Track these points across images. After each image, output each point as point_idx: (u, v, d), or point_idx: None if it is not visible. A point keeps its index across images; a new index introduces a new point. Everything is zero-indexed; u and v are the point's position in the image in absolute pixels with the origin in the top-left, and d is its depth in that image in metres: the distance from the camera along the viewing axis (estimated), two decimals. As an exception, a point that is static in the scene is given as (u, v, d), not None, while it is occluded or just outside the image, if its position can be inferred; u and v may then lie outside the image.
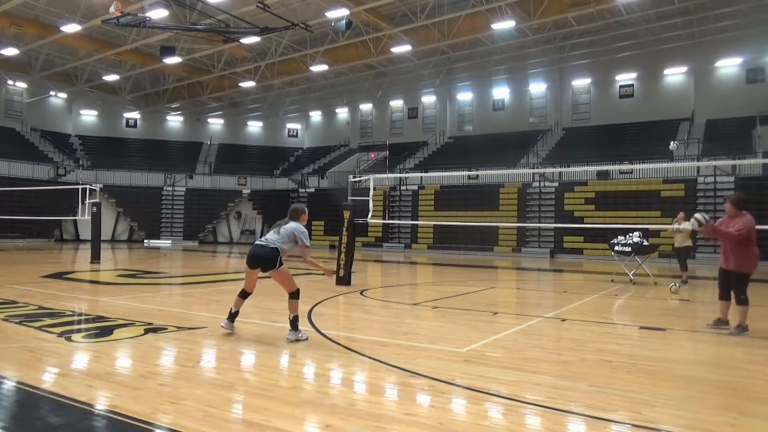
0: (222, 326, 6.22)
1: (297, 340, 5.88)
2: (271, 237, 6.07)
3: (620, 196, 25.84)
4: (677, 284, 11.63)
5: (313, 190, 36.93)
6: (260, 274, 6.14)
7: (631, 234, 13.51)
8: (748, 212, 6.93)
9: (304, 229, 6.17)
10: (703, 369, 5.24)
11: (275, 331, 6.55)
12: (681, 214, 12.94)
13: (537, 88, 35.07)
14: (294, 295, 6.03)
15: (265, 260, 5.99)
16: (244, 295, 6.27)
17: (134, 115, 41.08)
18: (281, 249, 5.99)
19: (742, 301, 6.76)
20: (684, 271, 12.78)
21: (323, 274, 6.70)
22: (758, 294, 11.48)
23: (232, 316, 6.27)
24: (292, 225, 6.15)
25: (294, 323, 6.00)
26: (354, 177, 16.79)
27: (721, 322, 7.10)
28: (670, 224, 13.21)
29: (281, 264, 5.99)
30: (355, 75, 35.31)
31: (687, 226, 12.47)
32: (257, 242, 6.17)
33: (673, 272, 13.27)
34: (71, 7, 24.14)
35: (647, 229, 15.22)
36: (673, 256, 13.22)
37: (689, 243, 12.92)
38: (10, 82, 35.49)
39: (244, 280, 6.26)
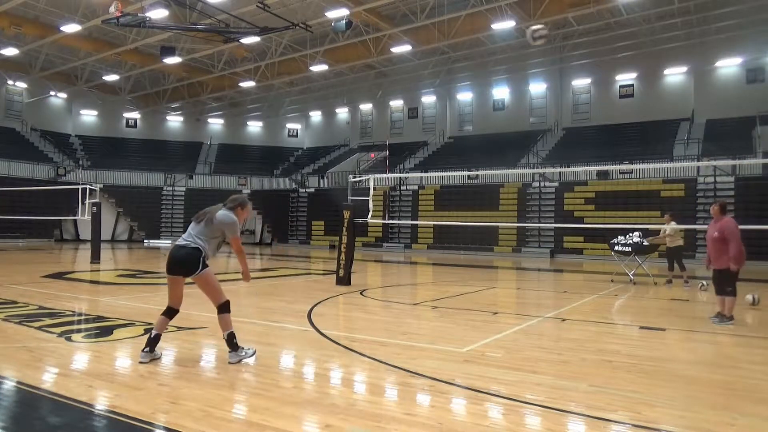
0: (140, 360, 4.89)
1: (240, 360, 4.99)
2: (193, 231, 4.96)
3: (620, 196, 25.83)
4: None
5: (313, 190, 36.94)
6: (187, 280, 5.02)
7: (631, 234, 13.52)
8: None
9: (234, 218, 5.02)
10: (703, 369, 5.24)
11: (275, 331, 6.55)
12: (667, 216, 12.99)
13: (537, 88, 35.06)
14: (223, 308, 5.01)
15: (184, 263, 4.88)
16: (169, 312, 5.03)
17: (134, 115, 41.07)
18: (204, 247, 4.91)
19: (729, 293, 7.56)
20: (683, 270, 12.81)
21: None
22: (759, 294, 11.49)
23: (152, 342, 4.96)
24: (221, 213, 5.01)
25: (231, 342, 5.00)
26: (354, 177, 16.79)
27: (722, 316, 7.69)
28: (661, 226, 13.33)
29: (204, 266, 4.90)
30: (355, 75, 35.30)
31: (674, 227, 12.58)
32: (177, 242, 5.03)
33: (672, 273, 13.26)
34: (71, 7, 24.13)
35: (647, 229, 15.23)
36: (665, 257, 13.37)
37: (681, 243, 12.99)
38: (10, 82, 35.48)
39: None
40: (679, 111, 29.80)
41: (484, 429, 3.53)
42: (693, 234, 22.28)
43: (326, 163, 40.11)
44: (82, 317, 7.59)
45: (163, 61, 27.21)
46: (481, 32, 26.43)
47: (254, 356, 5.13)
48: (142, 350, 4.97)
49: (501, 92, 36.20)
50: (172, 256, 4.93)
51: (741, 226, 7.69)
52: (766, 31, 27.02)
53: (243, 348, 5.12)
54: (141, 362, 4.90)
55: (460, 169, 29.29)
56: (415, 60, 32.20)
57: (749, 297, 10.19)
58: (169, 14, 22.31)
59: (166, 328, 5.23)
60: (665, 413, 3.88)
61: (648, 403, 4.04)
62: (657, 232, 13.73)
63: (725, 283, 7.59)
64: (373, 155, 37.52)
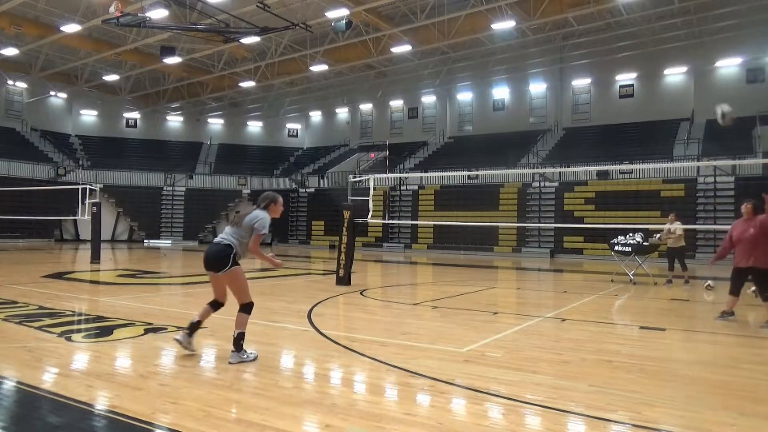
0: (175, 338, 5.18)
1: (241, 362, 4.98)
2: (228, 231, 5.11)
3: (620, 196, 25.84)
4: (711, 283, 12.06)
5: (313, 190, 36.95)
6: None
7: (632, 234, 13.51)
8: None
9: (265, 215, 5.09)
10: (703, 369, 5.24)
11: (275, 331, 6.55)
12: (672, 216, 12.98)
13: (537, 88, 35.06)
14: (245, 307, 5.09)
15: (215, 259, 4.99)
16: (214, 304, 5.26)
17: (134, 115, 41.08)
18: (235, 245, 5.01)
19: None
20: (684, 270, 12.83)
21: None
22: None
23: (193, 326, 5.19)
24: (254, 213, 5.13)
25: (237, 342, 5.03)
26: (354, 177, 16.80)
27: (725, 314, 7.78)
28: (664, 225, 13.30)
29: (234, 263, 4.99)
30: (355, 75, 35.31)
31: (679, 227, 12.60)
32: (214, 240, 5.21)
33: (672, 273, 13.26)
34: (71, 7, 24.14)
35: (647, 229, 15.23)
36: (665, 257, 13.40)
37: (683, 243, 13.00)
38: (10, 82, 35.49)
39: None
40: (679, 111, 29.81)
41: (484, 429, 3.53)
42: (693, 234, 22.27)
43: (326, 163, 40.11)
44: (82, 317, 7.59)
45: (163, 61, 27.21)
46: (481, 32, 26.44)
47: (255, 361, 5.10)
48: (182, 329, 5.30)
49: (501, 92, 36.21)
50: (205, 253, 5.10)
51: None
52: (766, 31, 27.03)
53: (246, 351, 5.12)
54: (175, 338, 5.21)
55: (460, 169, 29.30)
56: (415, 60, 32.20)
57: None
58: (169, 14, 22.32)
59: (197, 328, 5.34)
60: (665, 413, 3.88)
61: (648, 403, 4.04)
62: (657, 232, 13.73)
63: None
64: (373, 155, 37.52)
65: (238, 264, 5.05)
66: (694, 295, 11.34)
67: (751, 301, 9.03)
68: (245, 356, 5.07)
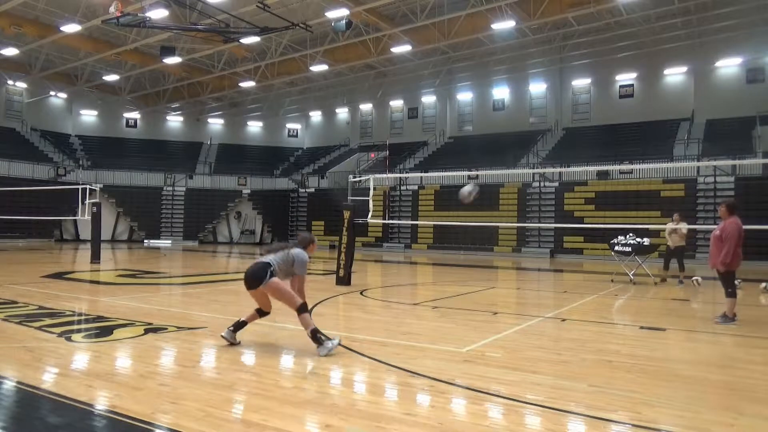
0: (221, 334, 5.69)
1: (330, 352, 5.27)
2: (270, 256, 5.60)
3: (620, 196, 25.84)
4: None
5: (313, 190, 36.93)
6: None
7: (632, 234, 13.51)
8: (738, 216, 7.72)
9: (308, 258, 5.67)
10: (703, 369, 5.24)
11: (275, 331, 6.55)
12: (676, 215, 12.99)
13: (537, 88, 35.05)
14: (300, 309, 5.42)
15: (253, 275, 5.44)
16: (260, 311, 5.76)
17: (134, 115, 41.07)
18: (274, 265, 5.48)
19: (729, 294, 7.59)
20: (682, 270, 12.85)
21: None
22: (757, 293, 11.49)
23: (238, 325, 5.70)
24: (296, 251, 5.64)
25: (315, 337, 5.34)
26: (354, 177, 16.80)
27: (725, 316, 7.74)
28: (667, 224, 13.29)
29: (271, 276, 5.39)
30: (355, 75, 35.31)
31: (684, 226, 12.62)
32: (254, 261, 5.69)
33: (666, 273, 13.28)
34: (71, 7, 24.14)
35: (647, 229, 15.23)
36: (663, 256, 13.42)
37: (684, 243, 13.00)
38: (10, 82, 35.48)
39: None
40: (679, 111, 29.79)
41: (484, 429, 3.53)
42: (693, 234, 22.26)
43: (326, 163, 40.10)
44: (82, 317, 7.59)
45: (163, 61, 27.22)
46: (481, 32, 26.44)
47: (339, 344, 5.41)
48: (228, 327, 5.70)
49: (501, 92, 36.20)
50: (245, 273, 5.54)
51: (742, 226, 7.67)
52: (766, 31, 27.03)
53: (329, 339, 5.39)
54: (221, 335, 5.65)
55: (460, 169, 29.28)
56: (415, 60, 32.20)
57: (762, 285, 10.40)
58: (169, 14, 22.31)
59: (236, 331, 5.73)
60: (665, 413, 3.88)
61: (648, 403, 4.04)
62: (657, 232, 13.74)
63: (725, 284, 7.64)
64: (373, 155, 37.51)
65: (275, 275, 5.45)
66: (693, 295, 11.34)
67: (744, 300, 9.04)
68: (330, 344, 5.33)
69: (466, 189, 9.58)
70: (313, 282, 12.07)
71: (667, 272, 13.01)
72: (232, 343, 5.64)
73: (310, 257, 5.75)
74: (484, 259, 24.53)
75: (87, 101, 39.34)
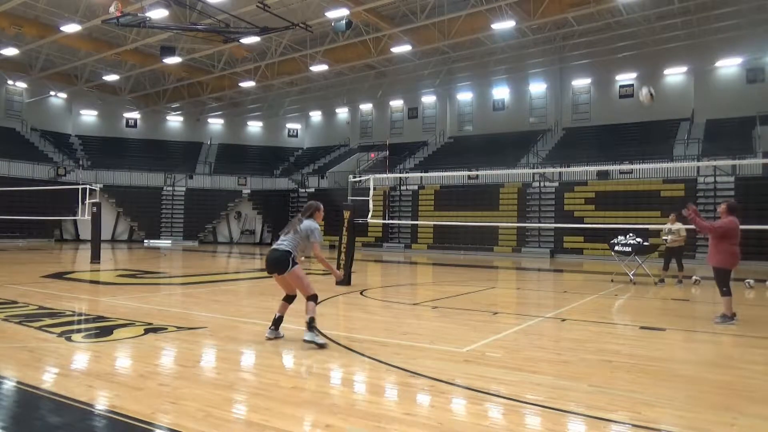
0: (266, 336, 5.99)
1: (312, 342, 5.62)
2: (284, 238, 5.94)
3: (620, 196, 25.82)
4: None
5: (313, 190, 36.90)
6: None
7: (632, 234, 13.51)
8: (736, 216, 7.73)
9: (317, 226, 6.06)
10: (703, 369, 5.24)
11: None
12: (672, 216, 12.99)
13: (537, 88, 35.06)
14: (311, 298, 5.86)
15: (278, 264, 5.81)
16: (287, 298, 6.10)
17: (134, 115, 41.07)
18: (293, 249, 5.86)
19: (724, 293, 7.62)
20: (681, 270, 12.85)
21: (328, 273, 6.76)
22: (758, 294, 11.50)
23: (277, 322, 6.07)
24: (306, 223, 6.01)
25: (310, 324, 5.75)
26: (354, 177, 16.81)
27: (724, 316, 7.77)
28: (664, 225, 13.30)
29: (294, 264, 5.81)
30: (355, 75, 35.31)
31: (681, 227, 12.62)
32: (272, 247, 6.01)
33: (665, 273, 13.27)
34: (71, 7, 24.13)
35: (647, 229, 15.22)
36: (662, 256, 13.42)
37: (683, 243, 13.01)
38: (10, 82, 35.49)
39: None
40: (679, 111, 29.79)
41: (484, 429, 3.53)
42: (693, 234, 22.25)
43: (326, 163, 40.09)
44: (82, 317, 7.59)
45: (163, 61, 27.21)
46: (481, 32, 26.43)
47: (322, 348, 5.56)
48: (269, 327, 6.04)
49: (501, 92, 36.20)
50: (267, 259, 5.88)
51: (740, 227, 7.69)
52: (766, 31, 27.02)
53: (319, 333, 5.78)
54: (267, 338, 5.95)
55: (460, 169, 29.29)
56: (415, 60, 32.19)
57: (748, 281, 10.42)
58: (169, 14, 22.30)
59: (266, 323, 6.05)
60: (665, 413, 3.88)
61: (648, 403, 4.04)
62: (657, 232, 13.75)
63: (719, 283, 7.68)
64: (373, 155, 37.51)
65: (297, 264, 5.84)
66: (693, 295, 11.35)
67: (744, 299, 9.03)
68: (317, 337, 5.68)
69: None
70: (313, 282, 12.05)
71: (667, 272, 13.01)
72: (278, 337, 6.02)
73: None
74: (484, 259, 24.53)
75: (87, 101, 39.32)
